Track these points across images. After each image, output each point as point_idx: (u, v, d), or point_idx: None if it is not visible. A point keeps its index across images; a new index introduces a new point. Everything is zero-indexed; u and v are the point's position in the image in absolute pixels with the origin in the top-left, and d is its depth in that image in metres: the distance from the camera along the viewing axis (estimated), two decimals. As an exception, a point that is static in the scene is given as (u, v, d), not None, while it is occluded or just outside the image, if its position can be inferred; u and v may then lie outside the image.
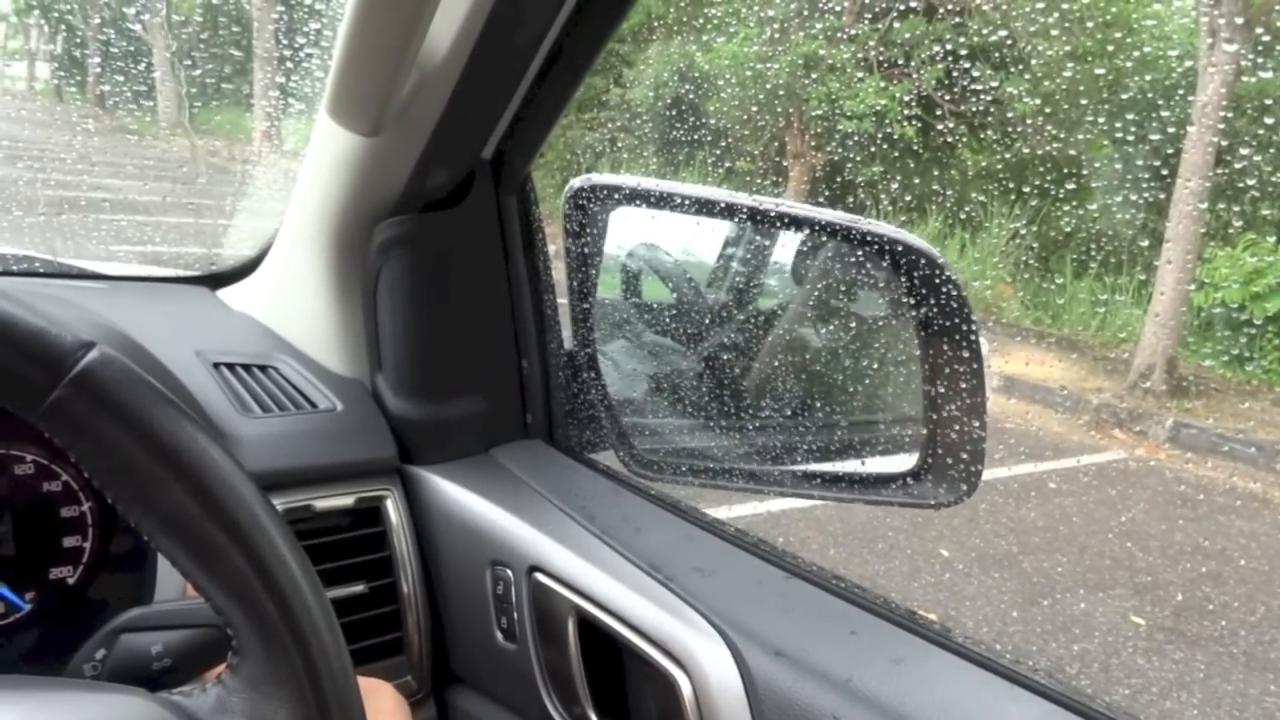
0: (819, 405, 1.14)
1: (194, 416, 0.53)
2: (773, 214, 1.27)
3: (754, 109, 8.44)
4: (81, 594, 0.98)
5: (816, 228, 1.23)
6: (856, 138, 7.82)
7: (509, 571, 0.94)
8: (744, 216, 1.26)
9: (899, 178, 7.97)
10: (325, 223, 1.07)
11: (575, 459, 1.10)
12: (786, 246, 1.27)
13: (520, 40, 0.88)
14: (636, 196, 1.21)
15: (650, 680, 0.80)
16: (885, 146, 7.75)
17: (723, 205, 1.24)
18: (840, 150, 8.03)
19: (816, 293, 1.22)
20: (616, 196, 1.16)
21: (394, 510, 1.02)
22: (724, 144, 8.82)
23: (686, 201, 1.24)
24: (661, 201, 1.22)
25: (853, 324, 1.19)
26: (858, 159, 7.99)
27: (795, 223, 1.24)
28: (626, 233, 1.20)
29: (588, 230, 1.13)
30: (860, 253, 1.16)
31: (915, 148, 7.87)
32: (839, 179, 8.34)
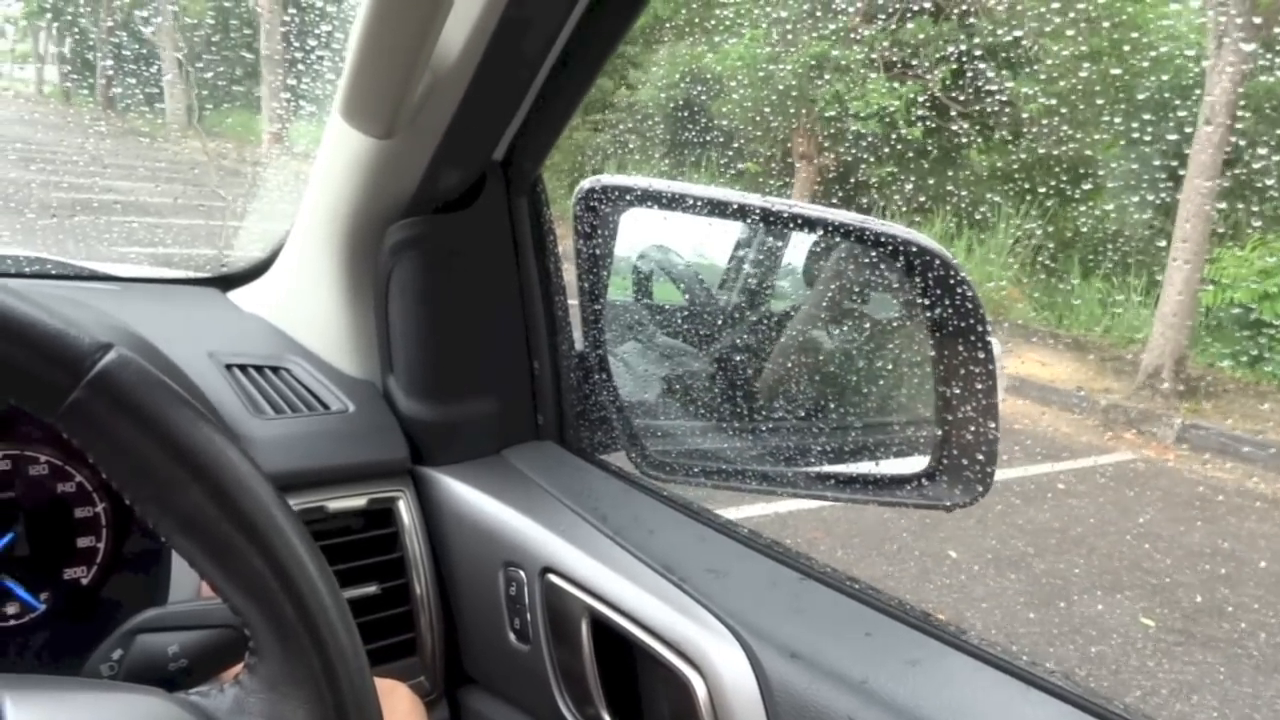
0: (832, 407, 1.14)
1: (210, 418, 0.53)
2: (785, 215, 1.27)
3: (762, 111, 8.44)
4: (95, 594, 0.98)
5: (829, 229, 1.22)
6: (865, 139, 7.81)
7: (522, 572, 0.94)
8: (756, 218, 1.26)
9: (908, 179, 7.96)
10: (337, 224, 1.07)
11: (586, 460, 1.09)
12: (798, 248, 1.26)
13: (531, 42, 0.88)
14: (647, 198, 1.21)
15: (664, 682, 0.80)
16: (895, 147, 7.74)
17: (734, 206, 1.24)
18: (849, 151, 8.02)
19: (829, 294, 1.21)
20: (627, 198, 1.16)
21: (406, 511, 1.02)
22: (732, 146, 8.82)
23: (698, 203, 1.23)
24: (673, 203, 1.22)
25: (865, 325, 1.18)
26: (867, 160, 7.98)
27: (807, 224, 1.23)
28: (637, 234, 1.20)
29: (598, 231, 1.13)
30: (873, 254, 1.16)
31: (924, 148, 7.85)
32: (848, 180, 8.33)
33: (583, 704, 0.88)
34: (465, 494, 1.02)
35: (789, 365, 1.15)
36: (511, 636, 0.95)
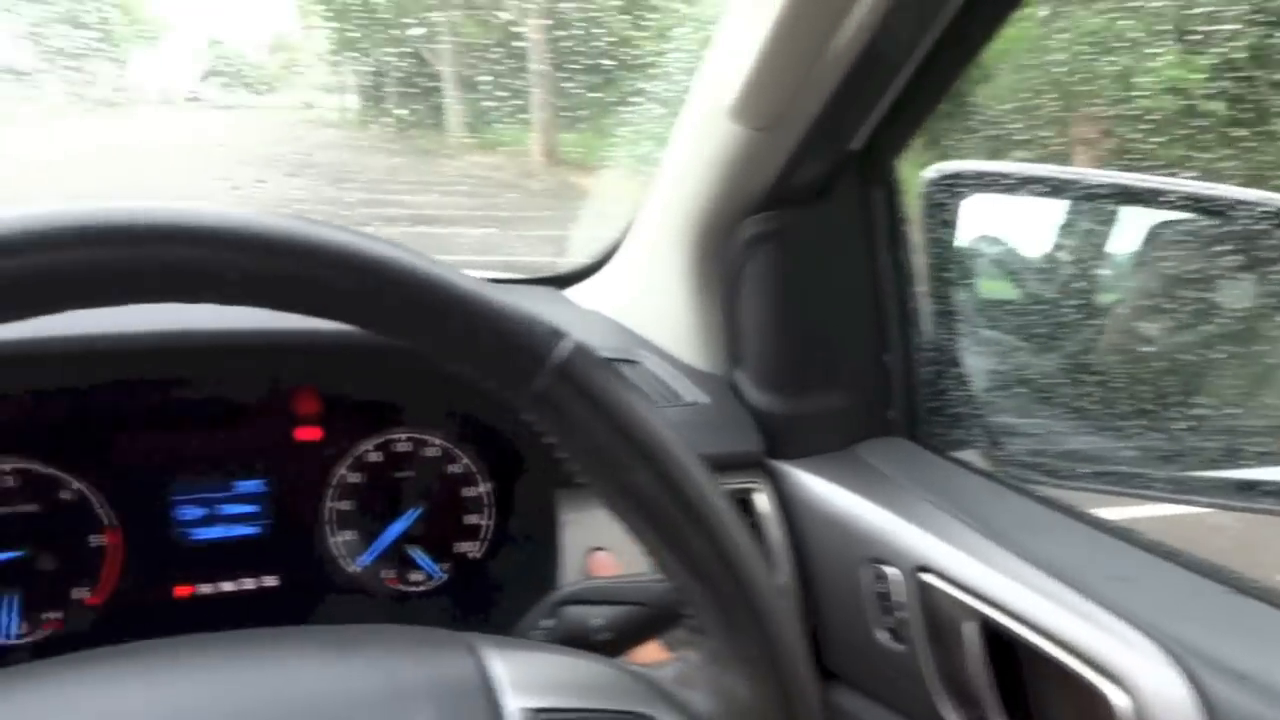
0: (1230, 406, 1.03)
1: (654, 404, 0.55)
2: (1145, 191, 1.16)
3: (1036, 93, 7.90)
4: (485, 567, 1.07)
5: (1202, 205, 1.11)
6: (1154, 117, 7.10)
7: (891, 570, 0.92)
8: (1112, 196, 1.16)
9: (1205, 160, 7.14)
10: (689, 220, 1.10)
11: (942, 457, 1.06)
12: (1167, 226, 1.15)
13: (911, 30, 0.86)
14: (991, 182, 1.16)
15: (1072, 695, 0.75)
16: (1188, 125, 6.98)
17: (1089, 185, 1.15)
18: (1135, 132, 7.33)
19: (1208, 278, 1.10)
20: (969, 183, 1.11)
21: (765, 503, 1.03)
22: (1003, 133, 8.31)
23: (1046, 184, 1.16)
24: (1018, 186, 1.16)
25: (1261, 310, 1.06)
26: (1156, 140, 7.25)
27: (1175, 200, 1.12)
28: (983, 221, 1.15)
29: (943, 220, 1.09)
30: (1263, 229, 1.04)
31: (1226, 125, 7.02)
32: (1136, 164, 7.61)
33: (968, 708, 0.84)
34: (821, 488, 1.01)
35: (1175, 359, 1.05)
36: (881, 635, 0.93)
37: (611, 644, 0.73)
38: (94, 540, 0.96)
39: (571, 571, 0.95)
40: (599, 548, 0.95)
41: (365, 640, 0.57)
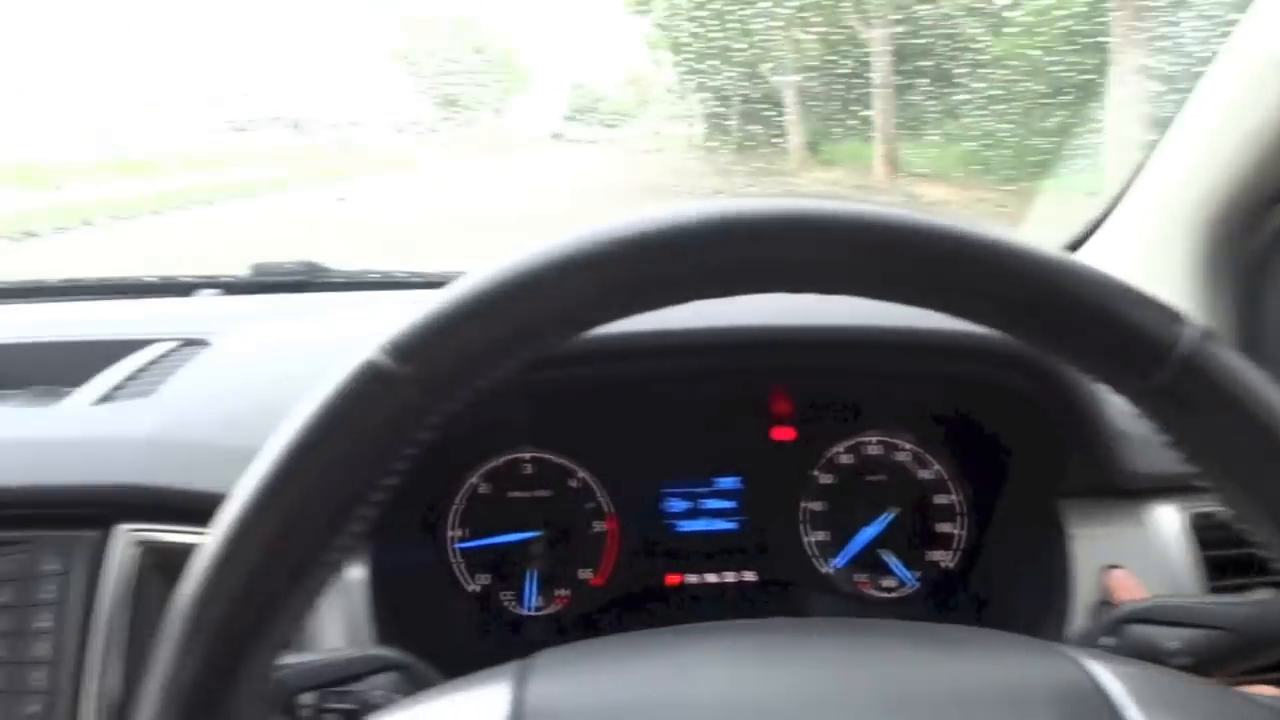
0: None
1: None
2: None
3: None
4: (959, 578, 1.03)
5: None
6: None
7: None
8: None
9: None
10: (1199, 208, 0.99)
11: None
12: None
13: None
14: None
15: None
16: None
17: None
18: None
19: None
20: None
21: None
22: None
23: None
24: None
25: None
26: None
27: None
28: None
29: None
30: None
31: None
32: None
33: None
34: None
35: None
36: None
37: (1189, 669, 0.65)
38: (596, 526, 1.05)
39: (1085, 591, 0.87)
40: (1114, 565, 0.87)
41: (955, 639, 0.55)
